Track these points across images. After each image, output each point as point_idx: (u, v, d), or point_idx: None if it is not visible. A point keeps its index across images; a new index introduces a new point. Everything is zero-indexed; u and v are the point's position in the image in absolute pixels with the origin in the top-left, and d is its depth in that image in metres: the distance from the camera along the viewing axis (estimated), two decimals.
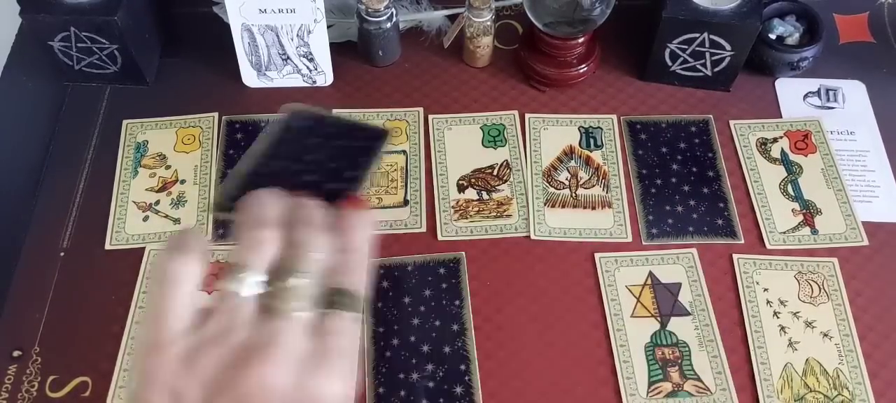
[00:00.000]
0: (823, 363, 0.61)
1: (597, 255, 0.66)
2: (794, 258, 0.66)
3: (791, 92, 0.77)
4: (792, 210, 0.69)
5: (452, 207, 0.69)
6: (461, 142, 0.73)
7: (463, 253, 0.66)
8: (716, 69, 0.75)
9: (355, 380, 0.31)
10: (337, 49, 0.77)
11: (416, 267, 0.65)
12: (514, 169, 0.71)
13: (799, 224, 0.68)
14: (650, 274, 0.65)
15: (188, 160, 0.72)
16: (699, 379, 0.60)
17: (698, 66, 0.75)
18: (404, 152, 0.72)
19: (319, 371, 0.30)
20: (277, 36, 0.73)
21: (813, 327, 0.62)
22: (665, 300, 0.64)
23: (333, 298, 0.32)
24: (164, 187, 0.70)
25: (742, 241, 0.67)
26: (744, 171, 0.71)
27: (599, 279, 0.65)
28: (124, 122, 0.74)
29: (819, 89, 0.77)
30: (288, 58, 0.75)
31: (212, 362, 0.29)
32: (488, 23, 0.75)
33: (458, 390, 0.60)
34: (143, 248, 0.66)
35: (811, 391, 0.59)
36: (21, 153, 0.73)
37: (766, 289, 0.64)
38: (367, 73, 0.79)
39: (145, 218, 0.68)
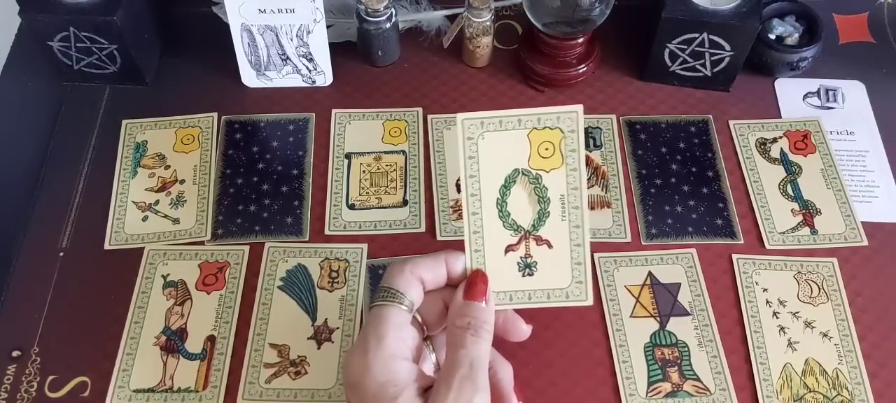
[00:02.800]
0: (823, 363, 0.61)
1: (596, 255, 0.66)
2: (793, 258, 0.66)
3: (790, 92, 0.77)
4: (791, 210, 0.69)
5: (451, 207, 0.69)
6: None
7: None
8: (715, 69, 0.75)
9: None
10: (336, 49, 0.77)
11: None
12: None
13: (798, 224, 0.68)
14: (649, 274, 0.65)
15: (187, 160, 0.72)
16: (698, 379, 0.60)
17: (698, 66, 0.75)
18: (403, 152, 0.72)
19: None
20: (277, 36, 0.73)
21: (812, 327, 0.62)
22: (664, 300, 0.64)
23: None
24: (163, 187, 0.70)
25: (741, 241, 0.67)
26: (743, 171, 0.71)
27: (598, 279, 0.65)
28: (123, 122, 0.74)
29: (819, 89, 0.77)
30: (287, 58, 0.75)
31: None
32: (488, 23, 0.75)
33: None
34: (143, 248, 0.66)
35: (810, 391, 0.59)
36: (20, 153, 0.73)
37: (765, 289, 0.64)
38: (366, 73, 0.79)
39: (145, 218, 0.68)
